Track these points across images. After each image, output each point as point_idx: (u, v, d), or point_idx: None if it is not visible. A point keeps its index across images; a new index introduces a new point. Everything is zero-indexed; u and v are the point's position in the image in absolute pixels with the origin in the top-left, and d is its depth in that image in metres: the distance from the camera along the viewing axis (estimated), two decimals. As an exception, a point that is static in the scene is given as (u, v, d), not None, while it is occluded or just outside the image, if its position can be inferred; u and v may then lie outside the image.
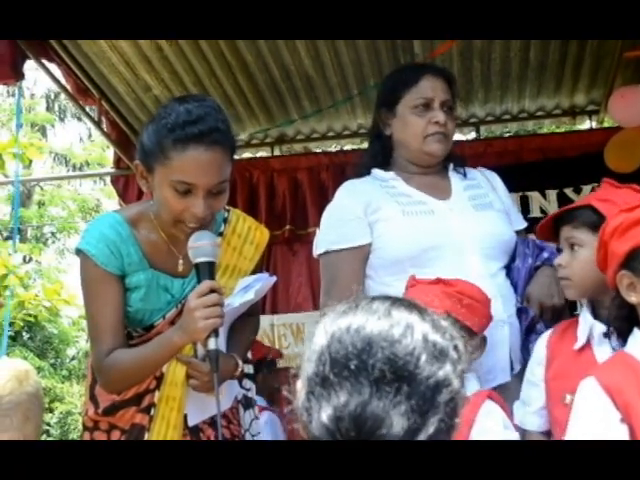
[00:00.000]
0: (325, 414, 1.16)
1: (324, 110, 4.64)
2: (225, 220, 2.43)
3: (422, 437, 1.14)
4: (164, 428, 2.27)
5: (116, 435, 2.32)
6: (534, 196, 4.55)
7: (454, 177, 2.67)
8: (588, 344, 2.17)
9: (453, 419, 1.18)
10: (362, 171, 2.70)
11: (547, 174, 4.58)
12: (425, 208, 2.54)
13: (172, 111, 2.15)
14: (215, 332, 2.11)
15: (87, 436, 2.38)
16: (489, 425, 2.11)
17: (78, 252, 2.30)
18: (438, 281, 2.27)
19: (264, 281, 2.36)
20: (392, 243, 2.50)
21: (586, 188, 4.41)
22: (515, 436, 2.17)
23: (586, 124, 4.97)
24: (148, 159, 2.16)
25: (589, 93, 4.69)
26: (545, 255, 2.48)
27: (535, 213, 4.47)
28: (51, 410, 15.14)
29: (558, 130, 5.94)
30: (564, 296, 2.36)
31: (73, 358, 17.10)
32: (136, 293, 2.29)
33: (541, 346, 2.28)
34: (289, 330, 4.79)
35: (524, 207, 4.46)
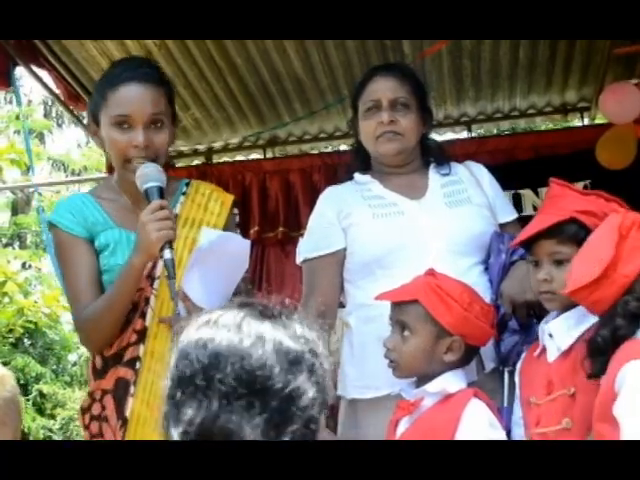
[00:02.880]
0: (176, 432, 1.17)
1: (316, 112, 4.65)
2: (187, 184, 2.57)
3: None
4: (151, 379, 2.32)
5: (107, 401, 2.36)
6: (527, 194, 4.54)
7: (433, 175, 2.70)
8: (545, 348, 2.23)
9: (310, 426, 1.19)
10: (346, 176, 2.76)
11: (539, 172, 4.54)
12: (395, 209, 2.58)
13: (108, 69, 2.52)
14: (169, 244, 2.21)
15: (87, 419, 2.41)
16: (475, 424, 2.12)
17: (49, 227, 2.45)
18: (429, 273, 2.30)
19: (235, 238, 2.44)
20: (361, 246, 2.57)
21: (578, 185, 4.40)
22: (501, 434, 2.17)
23: (578, 121, 4.97)
24: (94, 113, 2.40)
25: (580, 90, 4.68)
26: (522, 250, 2.48)
27: (528, 211, 4.46)
28: (53, 416, 15.14)
29: (550, 128, 5.94)
30: None
31: (75, 364, 17.08)
32: (107, 251, 2.39)
33: (517, 364, 2.36)
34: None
35: (517, 205, 4.42)
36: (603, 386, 1.91)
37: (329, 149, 5.12)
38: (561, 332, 2.19)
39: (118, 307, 2.32)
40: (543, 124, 5.79)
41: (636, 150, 4.17)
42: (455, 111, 4.83)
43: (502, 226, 2.67)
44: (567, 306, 2.19)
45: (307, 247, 2.71)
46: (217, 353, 1.19)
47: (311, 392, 1.19)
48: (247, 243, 2.44)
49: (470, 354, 2.29)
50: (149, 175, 2.29)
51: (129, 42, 3.90)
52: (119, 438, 2.30)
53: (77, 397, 15.83)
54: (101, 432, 2.36)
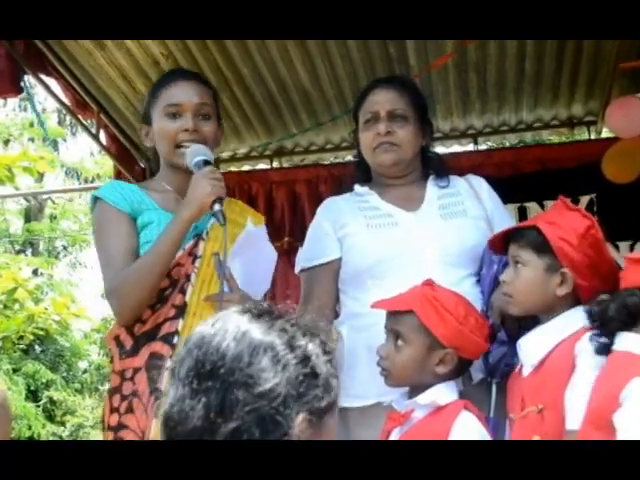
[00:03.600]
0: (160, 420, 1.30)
1: (322, 124, 4.67)
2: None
3: (221, 433, 1.19)
4: None
5: (139, 377, 2.36)
6: (532, 207, 4.54)
7: (431, 187, 2.72)
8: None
9: (268, 416, 1.23)
10: (347, 187, 2.79)
11: (545, 185, 4.56)
12: (390, 220, 2.61)
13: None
14: (220, 200, 2.35)
15: (116, 401, 2.39)
16: (465, 436, 2.12)
17: (93, 200, 2.52)
18: (427, 284, 2.31)
19: (268, 243, 2.58)
20: (354, 256, 2.60)
21: (584, 199, 4.40)
22: None
23: (584, 135, 4.97)
24: (146, 114, 2.59)
25: (586, 104, 4.68)
26: None
27: (533, 224, 4.46)
28: (63, 423, 15.20)
29: (556, 141, 5.94)
30: None
31: (85, 371, 17.15)
32: (149, 228, 2.46)
33: None
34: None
35: (522, 218, 4.44)
36: (604, 393, 1.94)
37: (336, 160, 5.13)
38: (530, 347, 2.21)
39: (163, 261, 2.37)
40: (550, 137, 5.80)
41: (642, 164, 4.17)
42: (461, 123, 4.84)
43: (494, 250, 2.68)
44: (524, 312, 2.25)
45: (304, 257, 2.74)
46: (187, 343, 1.29)
47: (272, 382, 1.22)
48: (275, 254, 2.60)
49: (463, 367, 2.30)
50: (198, 150, 2.46)
51: (137, 52, 3.94)
52: (151, 412, 2.30)
53: (87, 404, 15.89)
54: (131, 408, 2.34)
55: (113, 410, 2.39)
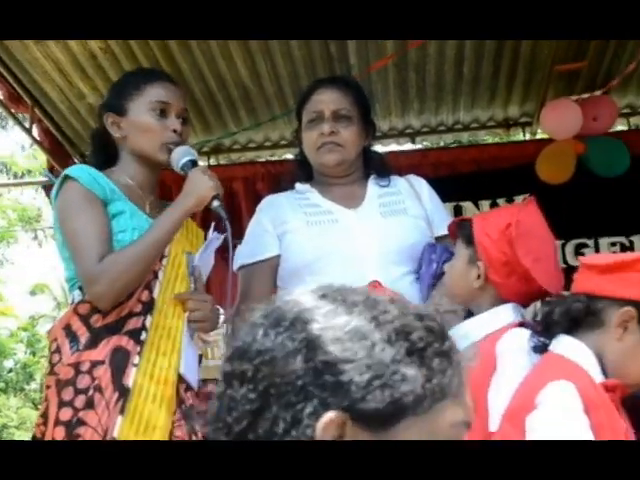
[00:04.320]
0: None
1: (262, 123, 4.65)
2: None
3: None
4: (154, 352, 2.33)
5: (101, 371, 2.28)
6: (467, 206, 4.60)
7: (372, 186, 2.74)
8: None
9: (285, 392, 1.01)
10: (288, 185, 2.80)
11: (481, 185, 4.64)
12: (330, 217, 2.63)
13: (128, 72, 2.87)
14: (218, 197, 2.44)
15: (67, 394, 2.28)
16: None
17: (63, 179, 2.44)
18: (373, 285, 2.31)
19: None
20: (292, 253, 2.61)
21: (518, 199, 4.47)
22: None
23: (520, 136, 5.05)
24: (119, 103, 2.55)
25: (522, 105, 4.75)
26: None
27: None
28: (-14, 423, 14.89)
29: (492, 141, 6.03)
30: None
31: (10, 370, 16.82)
32: (123, 218, 2.44)
33: None
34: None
35: (458, 217, 4.50)
36: (523, 393, 1.96)
37: (273, 157, 5.11)
38: (457, 339, 2.23)
39: (157, 248, 2.37)
40: (485, 138, 5.88)
41: (575, 165, 4.26)
42: (400, 123, 4.87)
43: (439, 239, 2.71)
44: (454, 301, 2.33)
45: (243, 254, 2.74)
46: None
47: (294, 359, 1.01)
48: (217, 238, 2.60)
49: None
50: (188, 150, 2.54)
51: (74, 45, 3.86)
52: (115, 409, 2.24)
53: (12, 404, 15.58)
54: (91, 404, 2.25)
55: (64, 404, 2.27)
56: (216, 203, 2.44)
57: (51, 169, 4.87)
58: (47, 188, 4.93)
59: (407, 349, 1.02)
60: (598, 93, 4.25)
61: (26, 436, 12.26)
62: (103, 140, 2.62)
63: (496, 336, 2.15)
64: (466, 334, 2.17)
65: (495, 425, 2.00)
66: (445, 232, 2.74)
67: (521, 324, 2.20)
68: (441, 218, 2.79)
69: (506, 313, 2.21)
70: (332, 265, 2.53)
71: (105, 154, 2.62)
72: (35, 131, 4.53)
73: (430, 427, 1.02)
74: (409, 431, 0.99)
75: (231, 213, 4.63)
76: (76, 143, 4.64)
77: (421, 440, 0.98)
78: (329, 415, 0.97)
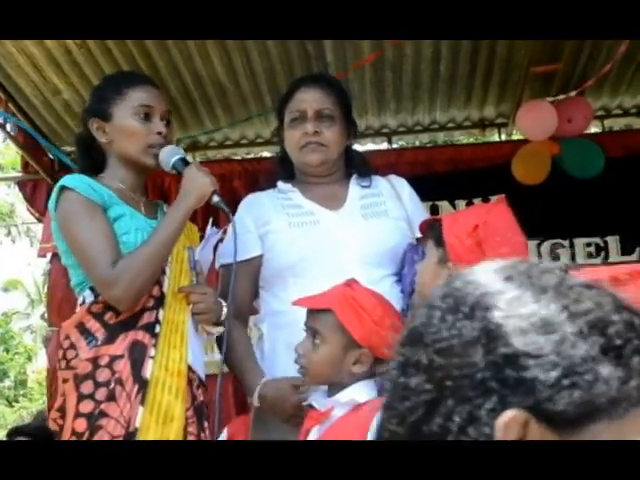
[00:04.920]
0: None
1: (239, 121, 4.64)
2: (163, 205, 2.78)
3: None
4: (167, 349, 2.41)
5: (121, 365, 2.37)
6: (444, 206, 4.62)
7: (353, 186, 2.74)
8: None
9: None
10: (269, 184, 2.79)
11: (457, 184, 4.66)
12: (312, 218, 2.62)
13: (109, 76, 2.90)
14: (216, 192, 2.48)
15: (87, 388, 2.36)
16: None
17: (60, 190, 2.47)
18: (347, 283, 2.31)
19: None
20: (275, 254, 2.61)
21: (494, 199, 4.49)
22: None
23: (495, 136, 5.07)
24: (103, 108, 2.58)
25: (498, 106, 4.78)
26: None
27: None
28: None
29: (468, 142, 6.05)
30: None
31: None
32: (123, 221, 2.49)
33: None
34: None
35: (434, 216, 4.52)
36: None
37: (250, 155, 5.11)
38: None
39: (166, 248, 2.44)
40: (461, 138, 5.90)
41: (550, 166, 4.28)
42: (376, 122, 4.87)
43: (420, 239, 2.71)
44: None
45: (224, 253, 2.72)
46: None
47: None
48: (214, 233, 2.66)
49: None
50: (176, 150, 2.59)
51: (48, 40, 3.83)
52: (136, 401, 2.34)
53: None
54: (113, 396, 2.34)
55: (83, 397, 2.36)
56: (216, 198, 2.48)
57: (25, 165, 4.84)
58: (21, 184, 4.91)
59: (602, 346, 0.88)
60: (573, 94, 4.27)
61: (0, 434, 12.16)
62: (88, 145, 2.66)
63: None
64: None
65: None
66: None
67: None
68: (421, 218, 2.80)
69: None
70: (315, 267, 2.53)
71: (91, 159, 2.67)
72: (8, 127, 4.49)
73: (624, 435, 0.87)
74: (600, 437, 0.86)
75: (207, 210, 4.68)
76: (50, 139, 4.60)
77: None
78: (511, 413, 0.86)
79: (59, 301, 4.48)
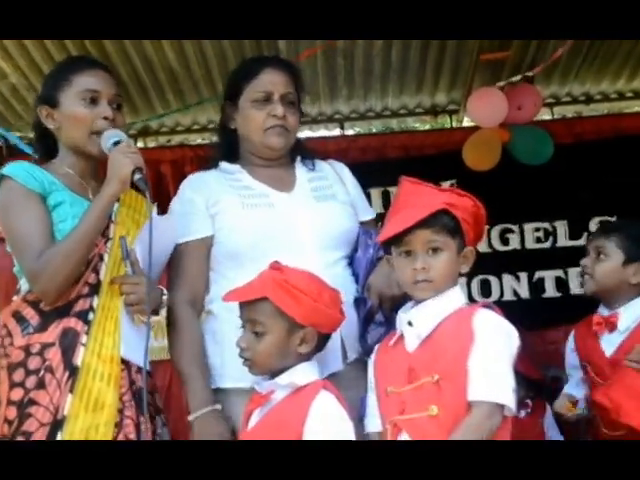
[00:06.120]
0: None
1: (191, 106, 4.61)
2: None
3: None
4: (100, 335, 2.41)
5: (52, 353, 2.37)
6: (395, 192, 4.62)
7: (300, 169, 2.75)
8: (402, 337, 2.31)
9: None
10: (210, 164, 2.75)
11: (408, 171, 4.62)
12: (266, 200, 2.61)
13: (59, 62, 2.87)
14: (139, 170, 2.42)
15: (18, 376, 2.37)
16: (323, 416, 2.16)
17: (0, 178, 2.48)
18: (274, 267, 2.31)
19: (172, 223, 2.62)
20: (230, 236, 2.58)
21: (445, 184, 4.52)
22: (349, 426, 2.21)
23: (447, 123, 5.10)
24: (51, 95, 2.57)
25: (449, 93, 4.81)
26: None
27: (396, 208, 4.56)
28: None
29: (420, 128, 6.08)
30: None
31: None
32: (62, 208, 2.47)
33: (372, 355, 2.41)
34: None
35: (385, 202, 4.55)
36: None
37: (202, 141, 5.08)
38: (421, 320, 2.25)
39: (88, 239, 2.40)
40: (414, 125, 5.93)
41: (500, 153, 4.33)
42: (328, 108, 4.88)
43: (362, 224, 2.74)
44: (438, 292, 2.28)
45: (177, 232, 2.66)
46: None
47: None
48: (173, 243, 2.63)
49: (322, 342, 2.33)
50: (114, 133, 2.51)
51: None
52: (65, 388, 2.34)
53: None
54: (42, 384, 2.35)
55: (15, 385, 2.38)
56: (137, 176, 2.42)
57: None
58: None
59: None
60: (518, 77, 4.28)
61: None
62: (42, 132, 2.65)
63: (465, 312, 2.22)
64: (433, 314, 2.23)
65: (475, 394, 2.10)
66: (367, 218, 2.78)
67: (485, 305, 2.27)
68: (363, 203, 2.85)
69: (460, 294, 2.29)
70: (272, 250, 2.48)
71: (46, 145, 2.66)
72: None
73: None
74: None
75: (159, 196, 4.59)
76: (-1, 124, 4.54)
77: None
78: None
79: (5, 285, 4.42)
